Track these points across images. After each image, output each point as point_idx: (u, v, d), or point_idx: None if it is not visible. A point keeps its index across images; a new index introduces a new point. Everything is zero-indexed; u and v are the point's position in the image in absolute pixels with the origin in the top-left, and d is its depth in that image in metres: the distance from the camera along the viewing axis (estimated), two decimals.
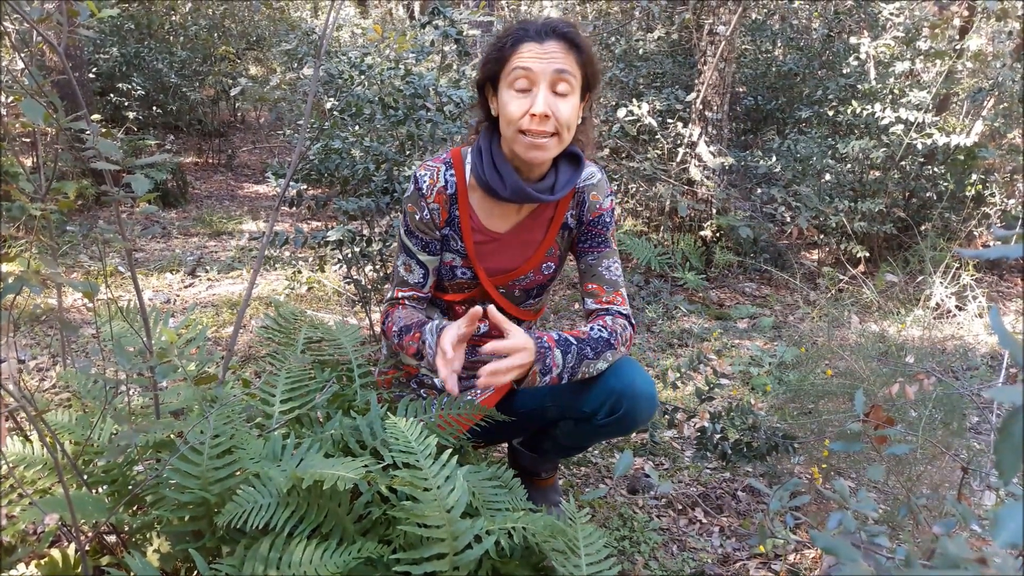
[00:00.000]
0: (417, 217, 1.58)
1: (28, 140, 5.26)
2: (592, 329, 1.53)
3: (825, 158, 4.52)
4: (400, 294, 1.64)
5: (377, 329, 2.91)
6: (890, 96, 4.80)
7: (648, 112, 4.31)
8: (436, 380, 1.72)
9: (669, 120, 4.58)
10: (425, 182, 1.57)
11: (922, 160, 4.70)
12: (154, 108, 7.04)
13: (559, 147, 1.47)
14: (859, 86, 4.97)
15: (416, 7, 9.90)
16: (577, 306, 3.89)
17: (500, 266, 1.64)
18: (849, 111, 4.69)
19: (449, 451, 1.26)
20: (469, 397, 1.70)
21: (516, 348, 1.35)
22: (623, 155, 4.69)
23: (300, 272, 3.89)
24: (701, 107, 4.41)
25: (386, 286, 2.84)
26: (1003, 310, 4.26)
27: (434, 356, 1.40)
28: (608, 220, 1.64)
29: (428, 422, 1.47)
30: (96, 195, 5.13)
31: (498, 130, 1.52)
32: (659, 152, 4.61)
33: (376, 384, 1.74)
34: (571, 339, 1.47)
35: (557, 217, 1.63)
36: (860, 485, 2.17)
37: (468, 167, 1.59)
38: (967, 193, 4.64)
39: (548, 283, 1.72)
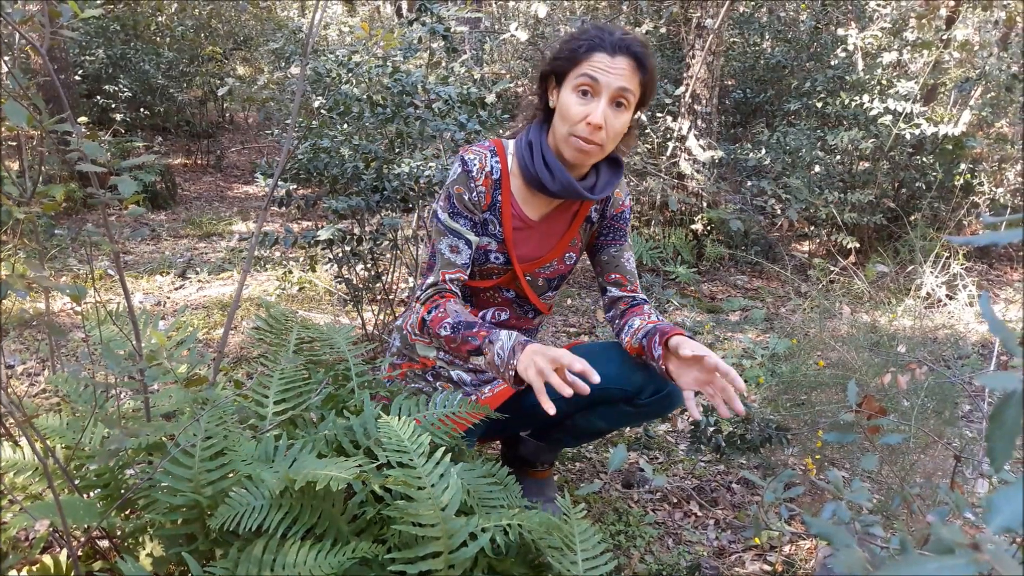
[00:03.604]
0: (466, 198, 1.61)
1: (13, 144, 5.21)
2: (660, 320, 1.64)
3: (814, 150, 4.53)
4: (447, 276, 1.64)
5: (369, 328, 2.90)
6: (878, 87, 4.82)
7: None
8: (453, 373, 1.75)
9: (658, 114, 4.58)
10: (475, 165, 1.61)
11: (911, 150, 4.72)
12: (141, 110, 7.00)
13: (601, 155, 1.55)
14: (847, 77, 4.98)
15: (403, 4, 9.87)
16: (570, 302, 3.89)
17: (529, 253, 1.69)
18: (837, 102, 4.70)
19: (443, 449, 1.26)
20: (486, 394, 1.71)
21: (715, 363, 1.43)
22: None
23: (291, 272, 3.88)
24: (690, 101, 4.41)
25: (375, 284, 2.84)
26: (993, 298, 4.28)
27: (507, 358, 1.41)
28: (627, 216, 1.74)
29: (440, 416, 1.48)
30: (84, 198, 5.10)
31: (549, 122, 1.59)
32: (649, 146, 4.61)
33: (372, 383, 1.73)
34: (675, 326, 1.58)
35: (583, 211, 1.71)
36: (854, 475, 2.17)
37: (510, 156, 1.65)
38: (956, 183, 4.66)
39: (567, 274, 1.78)
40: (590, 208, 1.71)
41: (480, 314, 1.74)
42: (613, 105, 1.48)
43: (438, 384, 1.75)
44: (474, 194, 1.61)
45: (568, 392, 1.31)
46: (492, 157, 1.64)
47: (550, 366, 1.32)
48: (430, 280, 1.65)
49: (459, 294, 1.67)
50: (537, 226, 1.68)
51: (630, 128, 1.59)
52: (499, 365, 1.42)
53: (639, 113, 1.59)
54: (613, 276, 1.74)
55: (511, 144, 1.65)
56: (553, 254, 1.71)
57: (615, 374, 1.63)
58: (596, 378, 1.32)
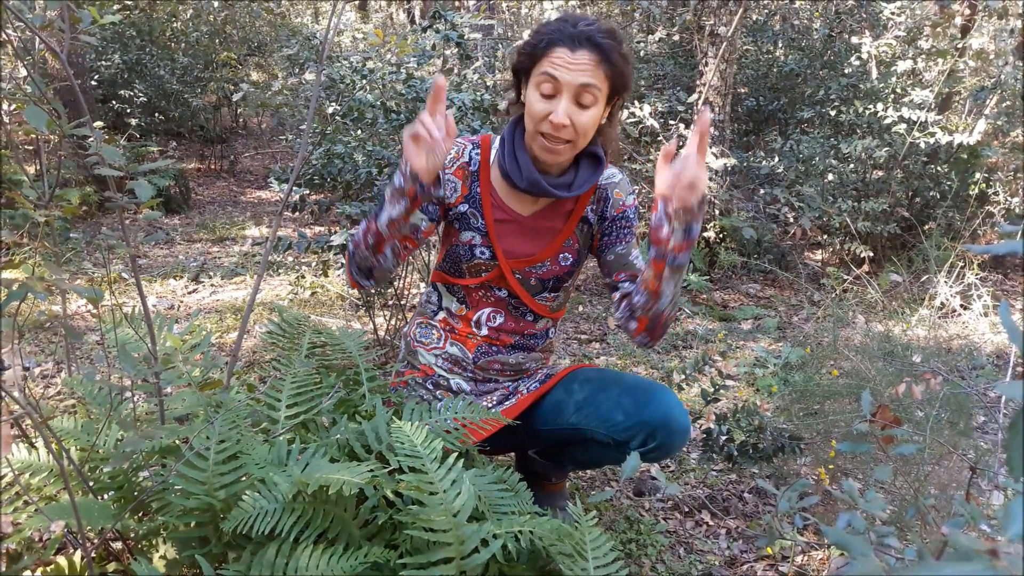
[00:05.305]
0: None
1: (31, 148, 5.27)
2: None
3: (828, 158, 4.52)
4: None
5: (381, 333, 2.91)
6: (892, 95, 4.80)
7: (650, 114, 4.31)
8: (452, 382, 1.73)
9: (671, 122, 4.58)
10: (450, 155, 1.61)
11: (925, 159, 4.69)
12: (156, 115, 7.06)
13: (572, 152, 1.51)
14: (861, 86, 4.96)
15: (417, 11, 9.92)
16: (581, 308, 3.89)
17: (518, 250, 1.65)
18: (851, 111, 4.68)
19: (455, 455, 1.26)
20: (488, 406, 1.69)
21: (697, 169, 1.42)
22: (625, 157, 4.69)
23: (303, 277, 3.89)
24: (703, 108, 4.41)
25: (387, 289, 2.84)
26: (1009, 308, 4.24)
27: (405, 171, 1.37)
28: (632, 216, 1.67)
29: (438, 424, 1.47)
30: (99, 202, 5.14)
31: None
32: None
33: (383, 388, 1.73)
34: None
35: (577, 210, 1.66)
36: (867, 486, 2.16)
37: (494, 151, 1.64)
38: (971, 192, 4.63)
39: (565, 277, 1.70)
40: (585, 208, 1.65)
41: (475, 317, 1.71)
42: (577, 102, 1.44)
43: (438, 393, 1.74)
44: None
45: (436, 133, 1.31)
46: (473, 149, 1.64)
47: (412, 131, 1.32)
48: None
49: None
50: (526, 222, 1.64)
51: (611, 120, 1.56)
52: (399, 181, 1.39)
53: (616, 105, 1.54)
54: (623, 275, 1.65)
55: (496, 140, 1.65)
56: (546, 253, 1.66)
57: (604, 420, 1.63)
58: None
